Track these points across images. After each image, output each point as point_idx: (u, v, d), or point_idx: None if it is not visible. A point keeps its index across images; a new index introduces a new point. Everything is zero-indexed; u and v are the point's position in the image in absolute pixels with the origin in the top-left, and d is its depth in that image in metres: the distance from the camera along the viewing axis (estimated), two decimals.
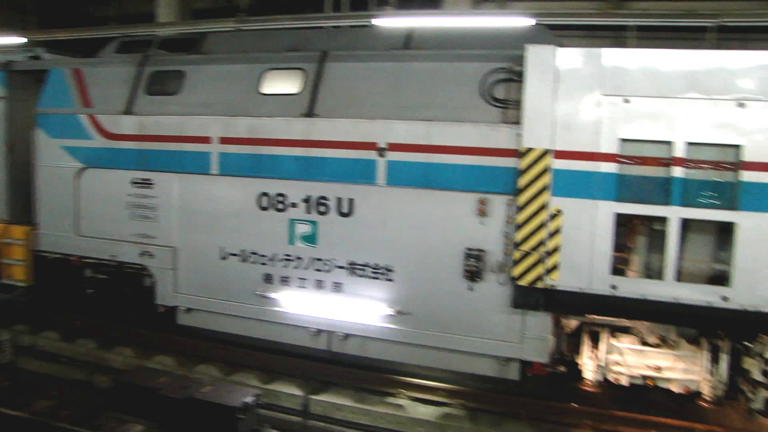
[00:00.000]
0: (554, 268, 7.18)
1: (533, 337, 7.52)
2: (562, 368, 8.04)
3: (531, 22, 8.89)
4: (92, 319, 10.31)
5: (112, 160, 9.48)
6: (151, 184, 9.28)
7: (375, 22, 9.83)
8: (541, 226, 7.18)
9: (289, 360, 9.18)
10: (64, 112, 9.75)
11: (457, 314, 7.82)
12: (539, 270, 7.23)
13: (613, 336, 7.83)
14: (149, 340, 9.89)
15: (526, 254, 7.25)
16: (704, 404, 7.67)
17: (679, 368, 7.64)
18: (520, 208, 7.27)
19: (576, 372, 8.06)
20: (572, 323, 7.93)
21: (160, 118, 9.14)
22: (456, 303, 7.80)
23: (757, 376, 7.15)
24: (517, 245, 7.30)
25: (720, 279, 6.85)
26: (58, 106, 9.81)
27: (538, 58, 7.14)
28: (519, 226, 7.28)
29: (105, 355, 9.74)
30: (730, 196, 6.67)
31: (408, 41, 8.57)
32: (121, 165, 9.42)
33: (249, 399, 7.21)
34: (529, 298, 7.33)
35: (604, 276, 7.05)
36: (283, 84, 8.63)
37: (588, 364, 7.91)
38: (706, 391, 7.53)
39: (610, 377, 7.84)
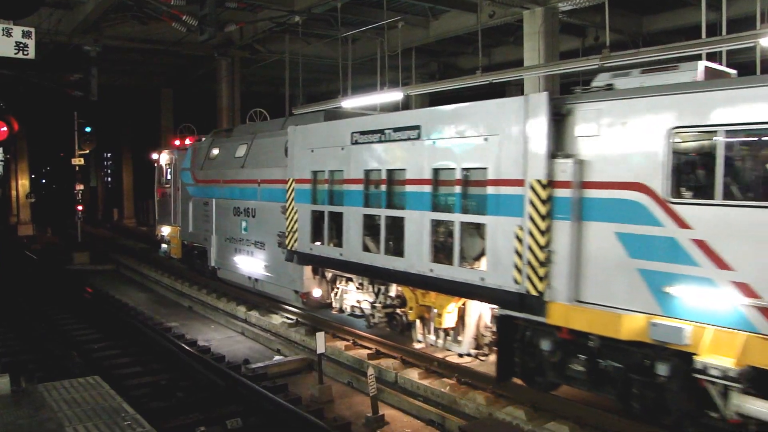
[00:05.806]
0: (295, 239, 13.83)
1: (296, 278, 14.20)
2: (329, 301, 14.34)
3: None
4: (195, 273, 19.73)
5: (198, 193, 18.84)
6: (208, 204, 18.32)
7: None
8: (292, 218, 13.94)
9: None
10: (186, 168, 19.55)
11: (281, 266, 14.88)
12: (293, 240, 13.95)
13: (346, 283, 13.88)
14: (499, 389, 9.76)
15: (289, 232, 14.05)
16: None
17: (364, 303, 13.35)
18: (287, 209, 14.12)
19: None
20: (329, 274, 14.21)
21: (208, 171, 18.17)
22: (280, 260, 14.86)
23: (373, 301, 12.68)
24: (288, 228, 14.15)
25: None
26: (186, 166, 19.66)
27: (290, 131, 14.00)
28: (287, 219, 14.13)
29: (459, 399, 9.91)
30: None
31: (284, 122, 15.99)
32: (199, 195, 18.70)
33: None
34: (290, 255, 14.03)
35: (308, 243, 13.47)
36: (240, 151, 16.85)
37: (333, 299, 14.11)
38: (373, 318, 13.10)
39: (343, 306, 13.90)
